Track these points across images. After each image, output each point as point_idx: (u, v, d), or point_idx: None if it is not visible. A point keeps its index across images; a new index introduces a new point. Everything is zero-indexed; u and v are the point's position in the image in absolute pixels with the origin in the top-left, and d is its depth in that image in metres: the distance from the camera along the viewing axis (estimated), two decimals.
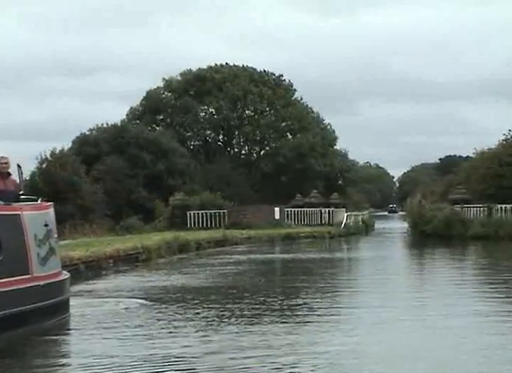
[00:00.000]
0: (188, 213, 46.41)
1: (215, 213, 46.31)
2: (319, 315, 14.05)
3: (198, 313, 14.54)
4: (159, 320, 13.72)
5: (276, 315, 14.04)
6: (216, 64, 71.10)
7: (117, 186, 52.93)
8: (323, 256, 31.57)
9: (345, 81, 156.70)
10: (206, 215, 46.35)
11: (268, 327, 12.72)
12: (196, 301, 16.36)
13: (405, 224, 50.25)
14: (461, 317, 13.64)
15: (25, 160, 45.90)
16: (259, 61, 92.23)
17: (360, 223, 53.34)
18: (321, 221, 50.12)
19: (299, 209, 49.92)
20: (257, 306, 15.37)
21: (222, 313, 14.47)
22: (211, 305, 15.67)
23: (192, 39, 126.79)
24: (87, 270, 23.99)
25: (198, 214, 46.43)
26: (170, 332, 12.49)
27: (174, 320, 13.71)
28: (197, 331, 12.56)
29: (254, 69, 71.85)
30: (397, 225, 61.94)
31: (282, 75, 72.73)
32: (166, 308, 15.37)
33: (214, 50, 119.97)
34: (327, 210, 50.75)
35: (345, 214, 51.50)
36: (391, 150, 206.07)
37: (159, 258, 29.10)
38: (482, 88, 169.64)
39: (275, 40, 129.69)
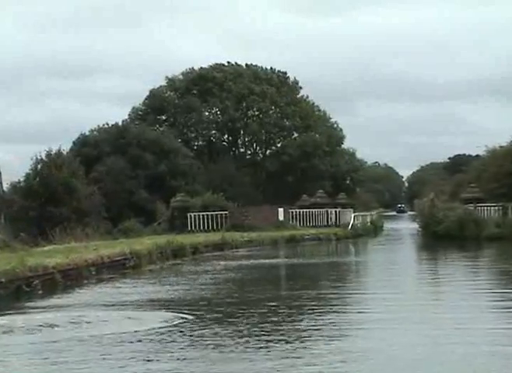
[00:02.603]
0: (189, 215, 43.45)
1: (216, 214, 43.29)
2: (292, 340, 11.01)
3: (141, 335, 11.65)
4: (81, 342, 10.94)
5: (243, 335, 11.15)
6: (218, 64, 68.27)
7: (118, 188, 50.24)
8: (327, 260, 28.59)
9: (345, 81, 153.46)
10: (208, 217, 43.35)
11: (224, 352, 10.12)
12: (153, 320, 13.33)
13: (415, 225, 47.11)
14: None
15: (23, 162, 43.39)
16: (259, 62, 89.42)
17: (368, 224, 50.17)
18: (328, 222, 46.99)
19: (305, 210, 46.77)
20: (226, 325, 12.43)
21: (177, 335, 11.57)
22: (168, 323, 12.74)
23: (192, 39, 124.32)
24: (64, 279, 21.00)
25: (199, 215, 43.45)
26: (93, 359, 9.74)
27: (108, 345, 10.83)
28: (130, 358, 9.83)
29: (258, 67, 69.01)
30: (406, 226, 58.74)
31: (286, 73, 69.87)
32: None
33: (214, 51, 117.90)
34: (333, 210, 47.62)
35: (353, 215, 48.33)
36: (391, 150, 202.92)
37: (150, 264, 26.15)
38: (482, 88, 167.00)
39: (275, 41, 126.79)
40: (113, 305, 15.80)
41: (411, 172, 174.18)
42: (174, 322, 12.95)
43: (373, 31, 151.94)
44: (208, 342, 11.02)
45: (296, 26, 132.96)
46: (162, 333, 11.87)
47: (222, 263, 26.98)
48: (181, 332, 11.98)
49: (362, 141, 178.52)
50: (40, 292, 19.04)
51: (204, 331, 11.99)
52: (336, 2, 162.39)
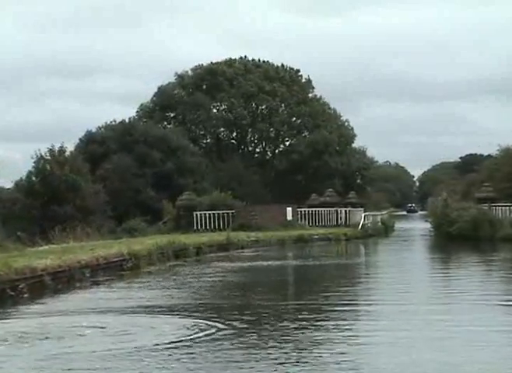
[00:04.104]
0: (195, 214, 41.71)
1: (223, 213, 41.50)
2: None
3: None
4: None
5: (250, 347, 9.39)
6: (230, 59, 66.55)
7: (124, 186, 48.67)
8: (335, 262, 26.82)
9: (345, 81, 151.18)
10: (214, 216, 41.57)
11: None
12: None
13: (427, 225, 45.16)
14: None
15: (28, 160, 41.80)
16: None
17: (379, 224, 48.25)
18: (337, 221, 45.13)
19: (314, 209, 44.92)
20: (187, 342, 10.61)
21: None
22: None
23: (192, 39, 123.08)
24: (55, 282, 19.34)
25: (205, 214, 41.68)
26: None
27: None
28: None
29: (270, 64, 67.22)
30: (418, 226, 56.71)
31: (299, 70, 68.05)
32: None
33: (214, 51, 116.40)
34: (343, 210, 45.74)
35: (363, 214, 46.42)
36: (392, 150, 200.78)
37: (150, 265, 24.47)
38: (481, 88, 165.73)
39: (275, 41, 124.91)
40: (107, 311, 14.21)
41: (415, 172, 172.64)
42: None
43: (373, 31, 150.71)
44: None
45: (296, 26, 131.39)
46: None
47: (225, 264, 25.23)
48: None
49: (362, 140, 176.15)
50: (26, 296, 17.41)
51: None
52: (336, 2, 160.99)
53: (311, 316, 13.00)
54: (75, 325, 12.54)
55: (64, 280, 19.98)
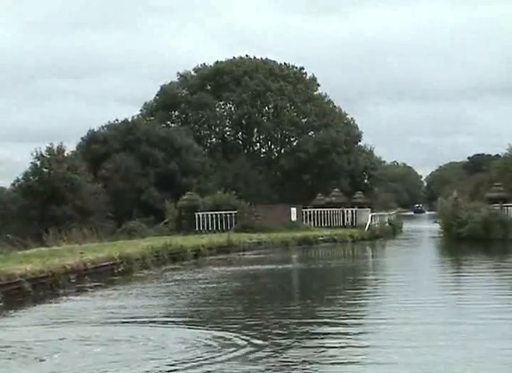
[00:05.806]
0: (197, 214, 39.80)
1: (226, 214, 39.56)
2: None
3: None
4: None
5: None
6: (234, 58, 64.73)
7: (127, 186, 46.99)
8: (341, 266, 24.94)
9: (345, 82, 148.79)
10: (217, 217, 39.63)
11: None
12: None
13: (435, 226, 43.14)
14: None
15: (24, 162, 40.20)
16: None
17: (386, 224, 46.22)
18: (343, 222, 43.11)
19: (319, 209, 42.93)
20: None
21: None
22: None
23: (192, 39, 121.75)
24: (36, 289, 17.58)
25: (207, 215, 39.75)
26: None
27: None
28: None
29: (274, 62, 65.36)
30: (426, 226, 54.62)
31: (303, 68, 66.18)
32: None
33: (213, 51, 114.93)
34: (349, 210, 43.73)
35: (370, 215, 44.37)
36: (392, 150, 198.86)
37: (143, 269, 22.65)
38: (482, 87, 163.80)
39: (275, 41, 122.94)
40: (85, 323, 12.43)
41: (422, 172, 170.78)
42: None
43: (374, 31, 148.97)
44: None
45: (296, 26, 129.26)
46: None
47: (221, 269, 23.33)
48: None
49: (365, 141, 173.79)
50: (1, 304, 15.67)
51: None
52: (336, 2, 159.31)
53: (314, 331, 11.12)
54: (50, 339, 10.85)
55: (46, 286, 18.20)
